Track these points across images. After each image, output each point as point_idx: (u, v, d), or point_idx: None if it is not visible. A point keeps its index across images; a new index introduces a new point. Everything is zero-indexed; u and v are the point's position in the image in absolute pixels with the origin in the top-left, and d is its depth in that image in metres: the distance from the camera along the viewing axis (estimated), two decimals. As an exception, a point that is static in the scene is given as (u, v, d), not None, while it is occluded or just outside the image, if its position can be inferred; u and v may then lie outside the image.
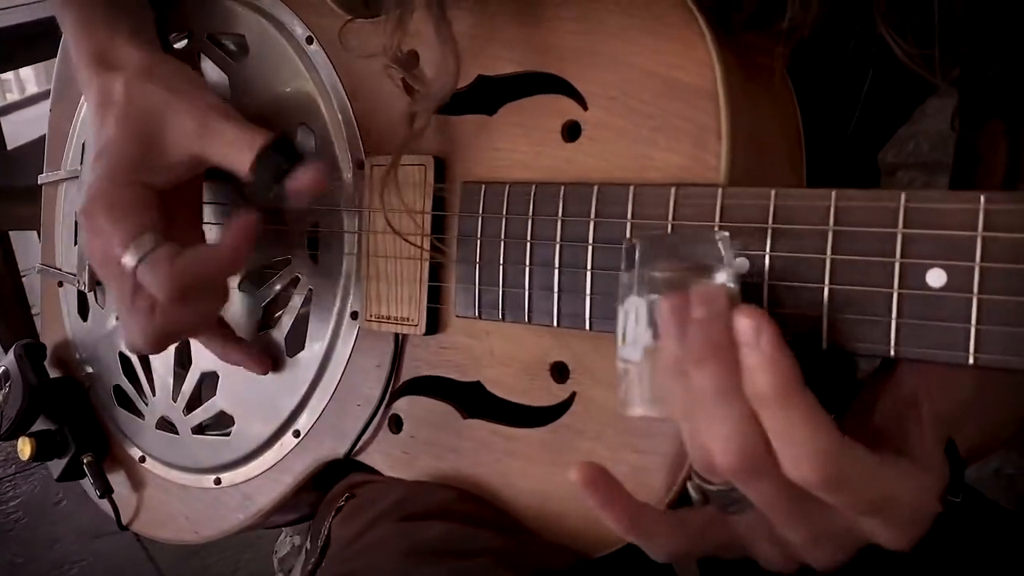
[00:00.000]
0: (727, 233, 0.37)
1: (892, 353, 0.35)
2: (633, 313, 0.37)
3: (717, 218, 0.39)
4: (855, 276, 0.36)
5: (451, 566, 0.42)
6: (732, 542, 0.41)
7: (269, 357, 0.57)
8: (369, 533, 0.48)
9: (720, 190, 0.39)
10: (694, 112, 0.41)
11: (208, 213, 0.60)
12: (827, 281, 0.36)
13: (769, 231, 0.38)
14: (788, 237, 0.37)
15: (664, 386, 0.36)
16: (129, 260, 0.48)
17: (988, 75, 0.52)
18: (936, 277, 0.34)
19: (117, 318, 0.59)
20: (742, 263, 0.38)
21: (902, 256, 0.35)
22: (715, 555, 0.41)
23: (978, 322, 0.33)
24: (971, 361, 0.33)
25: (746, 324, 0.33)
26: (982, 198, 0.33)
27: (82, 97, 0.70)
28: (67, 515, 1.80)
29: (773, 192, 0.38)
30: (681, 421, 0.37)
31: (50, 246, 0.74)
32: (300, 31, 0.56)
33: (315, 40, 0.56)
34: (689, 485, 0.40)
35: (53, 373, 0.72)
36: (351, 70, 0.54)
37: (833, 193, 0.36)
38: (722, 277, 0.36)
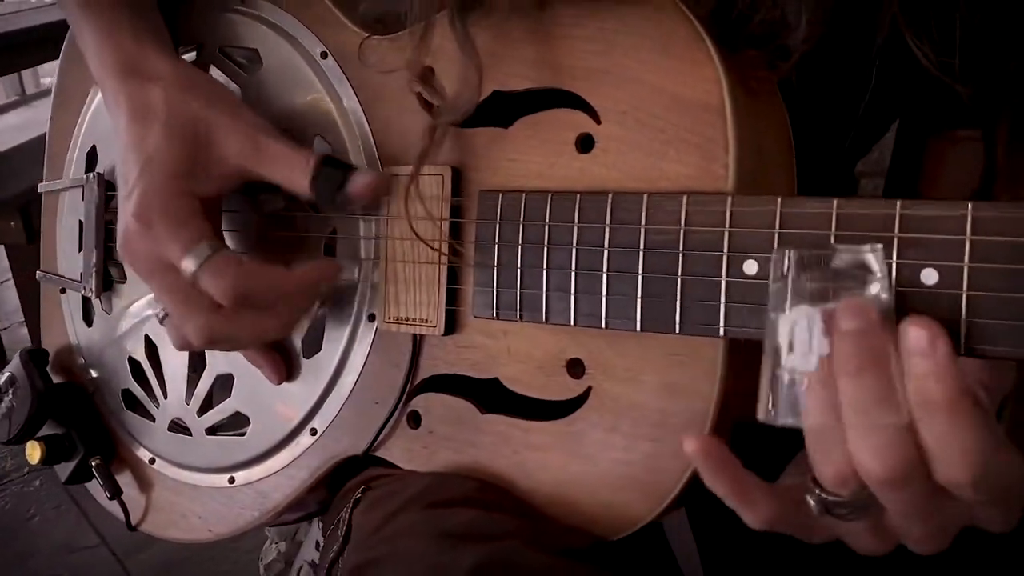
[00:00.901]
0: (880, 245, 0.38)
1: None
2: (805, 323, 0.37)
3: (727, 224, 0.43)
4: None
5: (480, 548, 0.45)
6: (825, 528, 0.42)
7: (285, 367, 0.59)
8: (394, 521, 0.50)
9: (729, 198, 0.43)
10: (702, 127, 0.45)
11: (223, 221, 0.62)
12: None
13: (776, 235, 0.41)
14: (794, 241, 0.41)
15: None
16: (189, 265, 0.51)
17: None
18: (929, 275, 0.38)
19: (161, 318, 0.60)
20: (750, 264, 0.42)
21: (898, 257, 0.38)
22: (800, 535, 0.42)
23: (967, 316, 0.37)
24: (962, 352, 0.37)
25: (921, 334, 0.34)
26: (969, 206, 0.37)
27: (86, 104, 0.72)
28: (41, 530, 1.79)
29: (779, 200, 0.42)
30: (814, 432, 0.37)
31: (50, 253, 0.75)
32: (315, 46, 0.59)
33: (330, 55, 0.58)
34: (810, 497, 0.39)
35: (55, 378, 0.73)
36: (365, 84, 0.57)
37: (835, 201, 0.40)
38: (875, 288, 0.37)
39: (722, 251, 0.43)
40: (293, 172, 0.53)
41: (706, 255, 0.43)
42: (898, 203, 0.39)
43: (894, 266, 0.38)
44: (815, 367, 0.37)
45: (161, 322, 0.58)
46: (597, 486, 0.49)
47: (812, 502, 0.39)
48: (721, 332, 0.43)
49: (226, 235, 0.61)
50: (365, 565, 0.49)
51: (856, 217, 0.40)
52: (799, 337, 0.37)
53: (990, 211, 0.37)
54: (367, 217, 0.56)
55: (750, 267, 0.42)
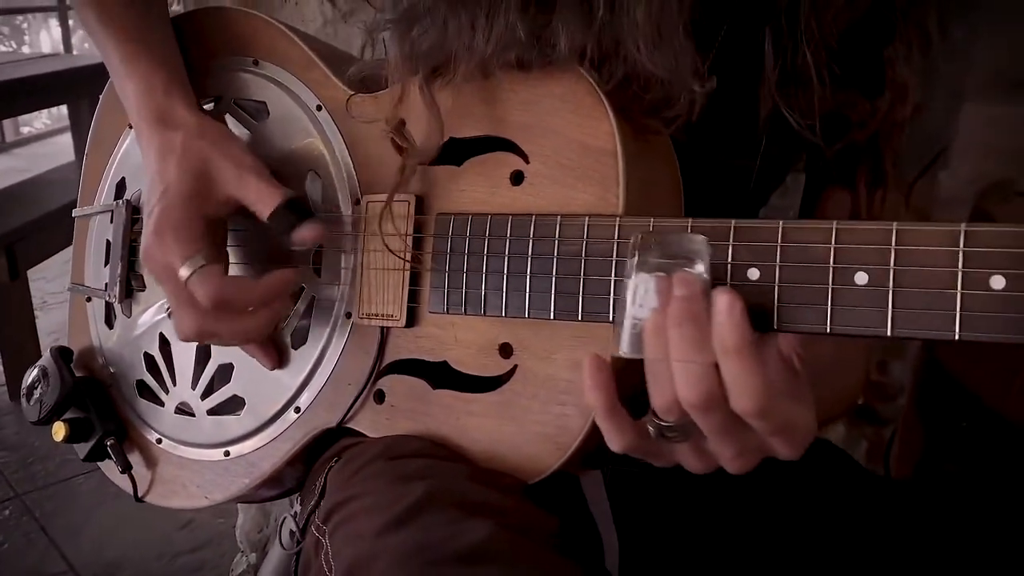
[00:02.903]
0: (705, 237, 0.52)
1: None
2: (643, 285, 0.52)
3: (616, 238, 0.57)
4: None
5: (433, 482, 0.58)
6: (663, 452, 0.56)
7: (278, 355, 0.73)
8: (362, 472, 0.63)
9: (618, 219, 0.58)
10: (601, 166, 0.60)
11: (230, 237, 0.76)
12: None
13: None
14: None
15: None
16: (184, 272, 0.65)
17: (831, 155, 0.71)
18: (753, 272, 0.52)
19: (168, 312, 0.73)
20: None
21: (732, 259, 0.53)
22: (649, 460, 0.56)
23: (778, 302, 0.52)
24: (775, 328, 0.52)
25: (724, 299, 0.48)
26: (780, 222, 0.52)
27: (118, 145, 0.87)
28: (10, 558, 1.88)
29: (652, 219, 0.56)
30: (650, 366, 0.51)
31: (80, 268, 0.89)
32: (311, 100, 0.74)
33: (323, 108, 0.73)
34: (649, 425, 0.53)
35: (78, 372, 0.86)
36: (351, 130, 0.72)
37: (689, 220, 0.55)
38: (700, 268, 0.52)
39: (612, 257, 0.57)
40: (260, 204, 0.68)
41: (601, 261, 0.58)
42: (733, 221, 0.53)
43: (729, 266, 0.53)
44: (647, 316, 0.51)
45: (169, 316, 0.71)
46: (520, 442, 0.62)
47: (651, 428, 0.53)
48: (611, 319, 0.57)
49: (232, 248, 0.75)
50: (338, 505, 0.62)
51: (704, 229, 0.54)
52: (639, 295, 0.52)
53: (794, 225, 0.52)
54: (348, 235, 0.71)
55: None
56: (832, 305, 0.50)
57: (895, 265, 0.49)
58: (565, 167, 0.61)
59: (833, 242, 0.50)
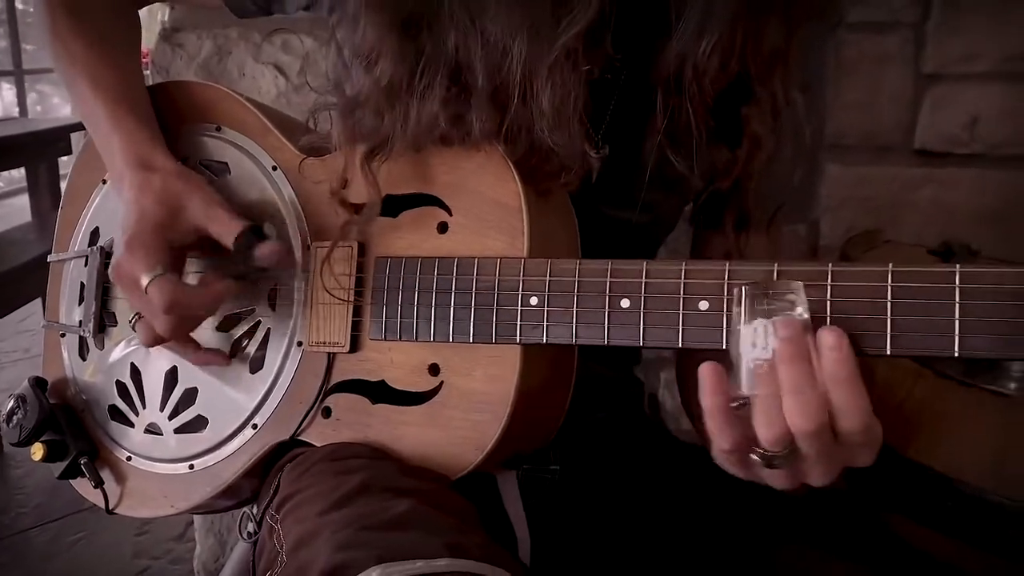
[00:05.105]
0: (801, 283, 0.58)
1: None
2: (762, 330, 0.57)
3: (521, 275, 0.71)
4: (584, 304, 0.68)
5: (368, 474, 0.70)
6: (757, 473, 0.60)
7: (225, 353, 0.85)
8: (310, 470, 0.75)
9: (523, 260, 0.72)
10: (511, 220, 0.74)
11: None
12: (576, 306, 0.69)
13: (547, 281, 0.70)
14: (562, 283, 0.70)
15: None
16: (144, 280, 0.76)
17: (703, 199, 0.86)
18: (624, 302, 0.67)
19: (133, 323, 0.85)
20: (534, 299, 0.70)
21: (609, 292, 0.67)
22: (739, 473, 0.62)
23: (643, 325, 0.66)
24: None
25: (832, 337, 0.55)
26: (644, 263, 0.67)
27: (91, 198, 0.98)
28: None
29: (549, 261, 0.70)
30: (763, 401, 0.56)
31: (54, 307, 0.99)
32: (268, 162, 0.87)
33: (279, 168, 0.87)
34: (755, 456, 0.58)
35: (52, 400, 0.96)
36: (302, 187, 0.85)
37: (579, 260, 0.69)
38: (799, 310, 0.57)
39: (518, 291, 0.71)
40: (224, 232, 0.80)
41: (510, 294, 0.72)
42: (609, 262, 0.68)
43: (606, 298, 0.67)
44: (771, 356, 0.57)
45: (133, 327, 0.82)
46: (445, 445, 0.75)
47: (756, 458, 0.58)
48: (518, 341, 0.71)
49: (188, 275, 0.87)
50: (288, 497, 0.74)
51: (588, 270, 0.69)
52: (759, 338, 0.58)
53: (655, 264, 0.66)
54: (300, 275, 0.83)
55: (534, 300, 0.70)
56: (683, 327, 0.65)
57: (726, 294, 0.64)
58: (481, 219, 0.75)
59: (683, 278, 0.65)
